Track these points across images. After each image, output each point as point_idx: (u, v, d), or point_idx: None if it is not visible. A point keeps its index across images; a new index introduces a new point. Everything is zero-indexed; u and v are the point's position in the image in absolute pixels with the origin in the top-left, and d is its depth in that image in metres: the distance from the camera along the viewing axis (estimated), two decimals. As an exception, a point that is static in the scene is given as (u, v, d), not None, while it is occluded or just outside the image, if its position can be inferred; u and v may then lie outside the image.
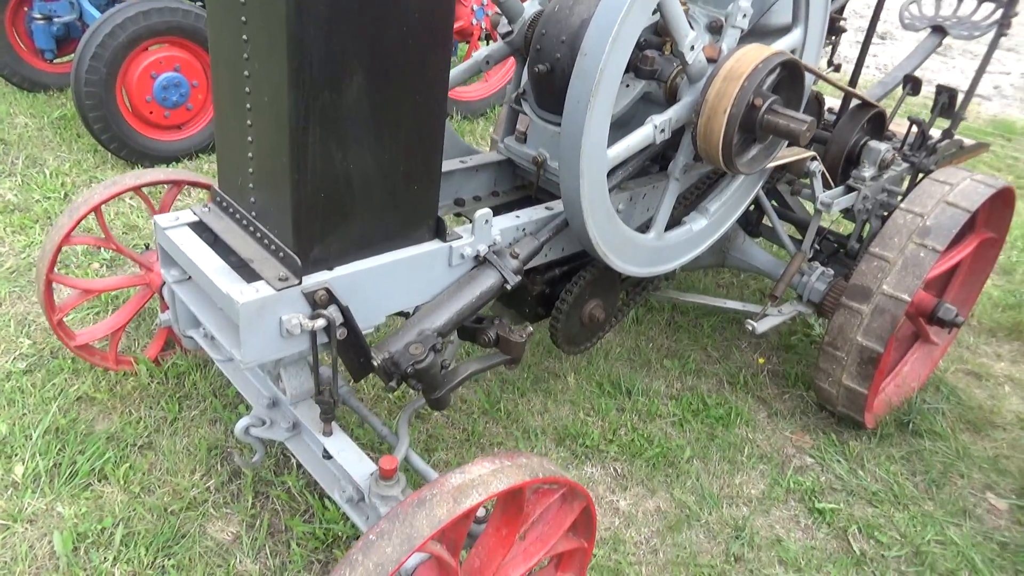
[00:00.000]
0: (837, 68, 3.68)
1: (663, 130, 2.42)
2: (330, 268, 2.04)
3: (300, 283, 1.95)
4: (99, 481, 2.55)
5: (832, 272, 3.18)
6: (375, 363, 2.13)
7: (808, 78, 2.65)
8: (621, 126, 2.81)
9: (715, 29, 2.56)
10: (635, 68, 2.59)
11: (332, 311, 2.00)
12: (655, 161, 2.97)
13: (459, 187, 2.93)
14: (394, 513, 1.62)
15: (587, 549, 2.12)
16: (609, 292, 2.89)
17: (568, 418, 3.10)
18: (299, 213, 1.91)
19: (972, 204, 2.86)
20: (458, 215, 2.93)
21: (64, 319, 2.74)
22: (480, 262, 2.35)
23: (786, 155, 2.78)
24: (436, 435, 2.93)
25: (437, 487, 1.67)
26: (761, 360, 3.54)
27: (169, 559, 2.33)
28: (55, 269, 2.63)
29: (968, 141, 3.69)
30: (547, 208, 2.58)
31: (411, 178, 2.08)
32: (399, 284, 2.20)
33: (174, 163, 4.73)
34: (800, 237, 3.67)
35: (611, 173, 2.52)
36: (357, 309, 2.10)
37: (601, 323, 2.89)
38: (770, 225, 3.39)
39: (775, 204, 3.70)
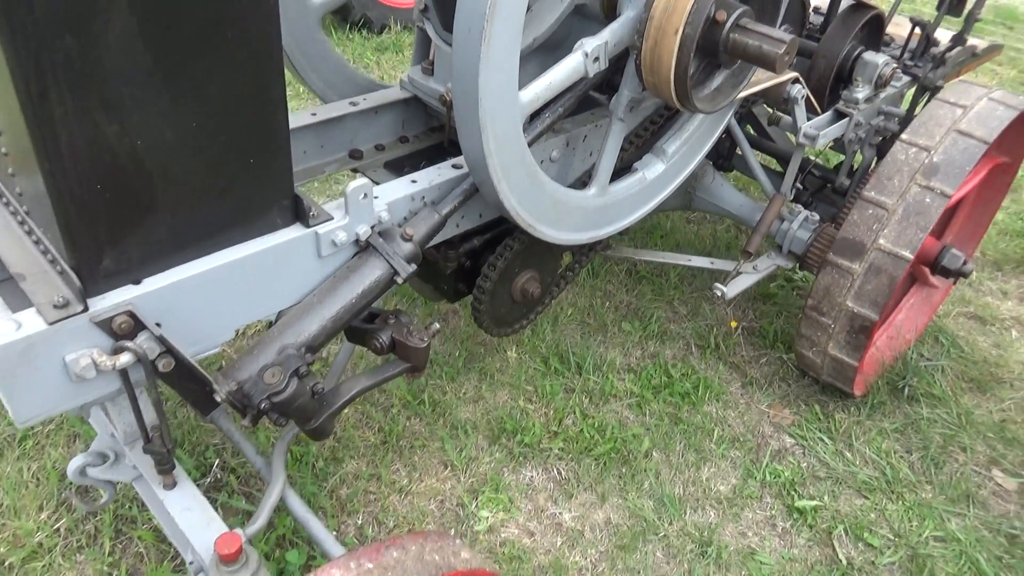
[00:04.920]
0: (824, -42, 3.02)
1: (597, 59, 1.83)
2: (136, 281, 1.49)
3: (85, 309, 1.40)
4: (-85, 533, 2.07)
5: (817, 218, 2.65)
6: (218, 398, 1.61)
7: (789, -22, 2.04)
8: (551, 49, 2.21)
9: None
10: (563, -27, 1.98)
11: (143, 341, 1.47)
12: (602, 89, 2.37)
13: (354, 134, 2.34)
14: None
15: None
16: (545, 261, 2.36)
17: (506, 407, 2.62)
18: (67, 213, 1.35)
19: (990, 132, 2.31)
20: (355, 171, 2.35)
21: None
22: (362, 247, 1.80)
23: (759, 80, 2.20)
24: (345, 439, 2.45)
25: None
26: (733, 323, 3.06)
27: (-4, 635, 1.88)
28: None
29: (980, 44, 3.09)
30: (455, 166, 2.01)
31: (240, 147, 1.51)
32: (248, 288, 1.66)
33: None
34: (781, 170, 3.12)
35: (536, 115, 1.95)
36: (188, 328, 1.59)
37: (537, 299, 2.37)
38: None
39: (751, 131, 3.12)
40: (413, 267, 1.81)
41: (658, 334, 3.02)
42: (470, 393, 2.67)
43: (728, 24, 1.75)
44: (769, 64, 1.76)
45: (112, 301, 1.45)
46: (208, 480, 2.27)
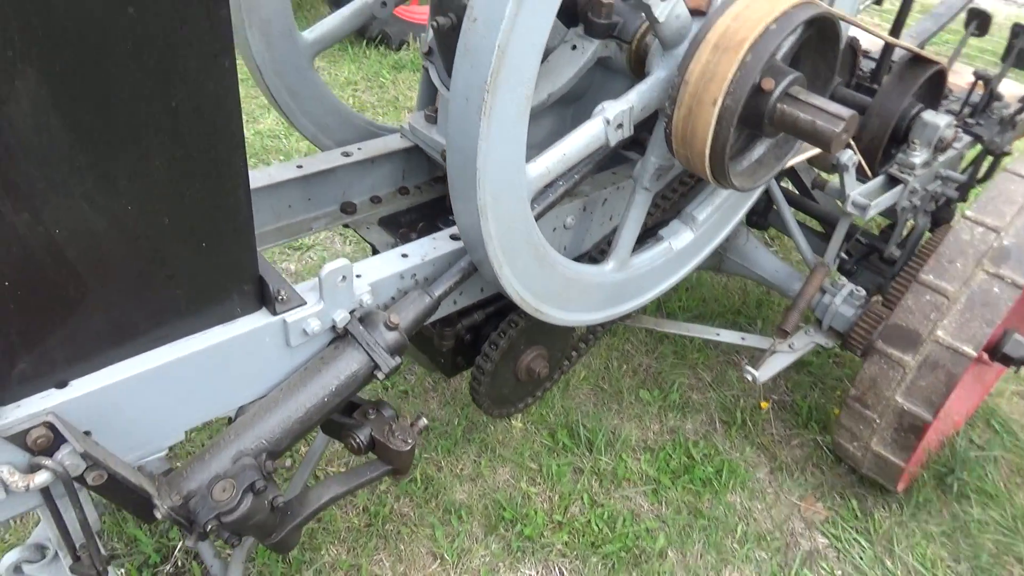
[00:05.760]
0: None
1: (620, 125, 1.58)
2: (61, 384, 1.27)
3: (-7, 422, 1.18)
4: None
5: (863, 293, 2.37)
6: (158, 514, 1.38)
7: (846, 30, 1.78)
8: (570, 102, 1.98)
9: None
10: (585, 19, 1.74)
11: (65, 456, 1.24)
12: (628, 146, 2.12)
13: (347, 186, 2.12)
14: None
15: None
16: (555, 336, 2.12)
17: (506, 488, 2.37)
18: (-32, 314, 1.12)
19: (1070, 212, 2.02)
20: (347, 226, 2.12)
21: None
22: (340, 335, 1.56)
23: (805, 147, 1.94)
24: (325, 520, 2.21)
25: None
26: (764, 405, 2.78)
27: None
28: None
29: (1051, 100, 2.79)
30: (453, 237, 1.77)
31: (190, 230, 1.28)
32: (201, 384, 1.43)
33: None
34: (821, 230, 2.85)
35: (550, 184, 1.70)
36: (128, 432, 1.38)
37: (544, 378, 2.12)
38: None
39: (789, 187, 2.85)
40: (397, 361, 1.56)
41: (679, 405, 2.76)
42: (467, 470, 2.42)
43: (776, 93, 1.50)
44: (823, 143, 1.50)
45: (29, 410, 1.22)
46: (168, 568, 2.04)
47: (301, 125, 2.13)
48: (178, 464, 1.78)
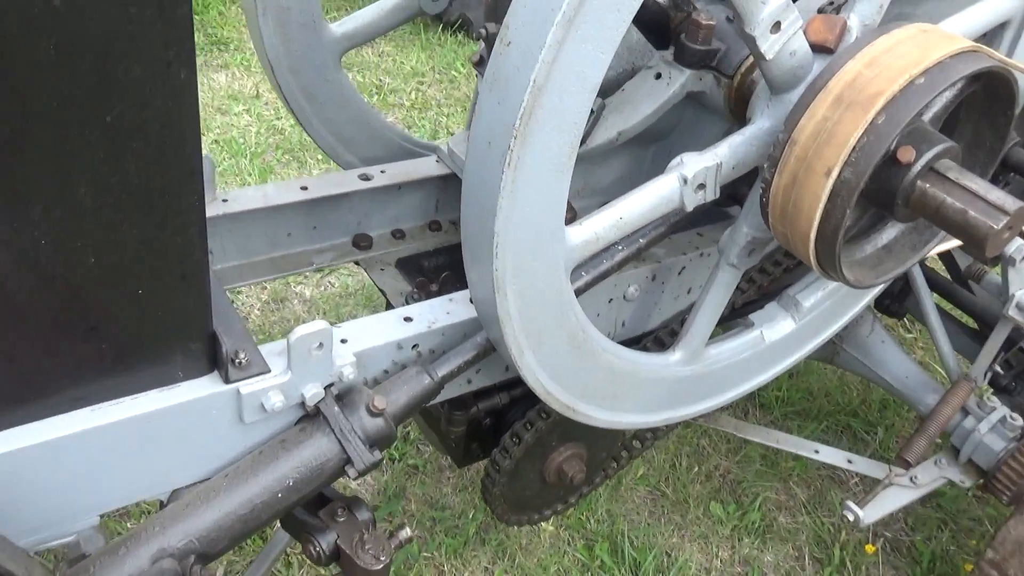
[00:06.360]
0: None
1: (702, 186, 1.42)
2: (-59, 447, 1.20)
3: None
4: None
5: (1020, 424, 2.11)
6: (50, 619, 1.29)
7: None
8: (650, 141, 1.84)
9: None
10: (676, 43, 1.59)
11: (-68, 538, 1.16)
12: (723, 202, 1.94)
13: (364, 215, 2.03)
14: None
15: None
16: (599, 433, 1.94)
17: (520, 611, 2.21)
18: None
19: None
20: (357, 264, 2.02)
21: None
22: (310, 413, 1.45)
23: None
24: (291, 622, 2.10)
25: None
26: (870, 549, 2.51)
27: None
28: None
29: None
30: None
31: (124, 273, 1.20)
32: (128, 459, 1.36)
33: None
34: (973, 325, 2.58)
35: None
36: (25, 511, 1.31)
37: (579, 484, 1.96)
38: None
39: (936, 271, 2.60)
40: (376, 456, 1.44)
41: (760, 529, 2.54)
42: (476, 580, 2.27)
43: (917, 168, 1.30)
44: (975, 241, 1.29)
45: None
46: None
47: (317, 134, 2.05)
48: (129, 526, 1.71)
